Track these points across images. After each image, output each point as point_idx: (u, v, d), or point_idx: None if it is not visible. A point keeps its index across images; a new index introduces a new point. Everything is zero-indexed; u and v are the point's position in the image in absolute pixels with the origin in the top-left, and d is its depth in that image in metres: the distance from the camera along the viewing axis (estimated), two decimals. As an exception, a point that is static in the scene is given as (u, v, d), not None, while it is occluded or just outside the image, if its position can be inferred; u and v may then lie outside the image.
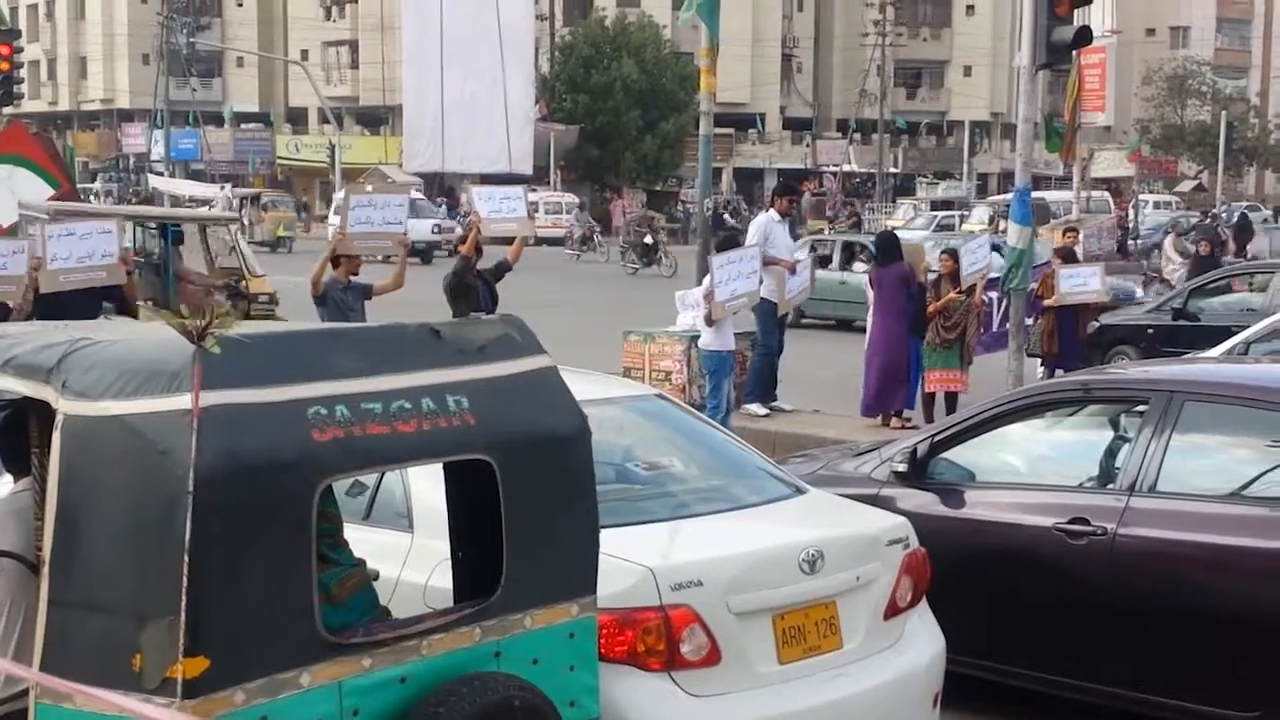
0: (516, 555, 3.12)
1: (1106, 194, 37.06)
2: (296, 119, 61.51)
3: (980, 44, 60.93)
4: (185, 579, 2.56)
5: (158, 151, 52.75)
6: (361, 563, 3.38)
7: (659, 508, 4.24)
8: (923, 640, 4.33)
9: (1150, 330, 13.06)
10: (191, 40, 53.33)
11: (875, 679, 4.06)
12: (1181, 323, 12.89)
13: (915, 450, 5.37)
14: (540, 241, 35.71)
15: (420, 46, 43.74)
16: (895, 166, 58.91)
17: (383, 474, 3.97)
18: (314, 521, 2.77)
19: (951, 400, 10.45)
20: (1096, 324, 12.52)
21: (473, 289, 8.95)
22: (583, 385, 3.84)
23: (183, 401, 2.64)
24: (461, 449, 3.07)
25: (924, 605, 4.42)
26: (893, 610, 4.21)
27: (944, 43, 62.72)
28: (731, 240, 10.27)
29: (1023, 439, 5.54)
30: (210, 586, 2.60)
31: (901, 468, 5.35)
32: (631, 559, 3.69)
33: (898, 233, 14.42)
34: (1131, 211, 36.24)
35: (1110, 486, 4.99)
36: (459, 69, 42.91)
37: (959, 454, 5.41)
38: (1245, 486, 4.84)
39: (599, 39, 47.91)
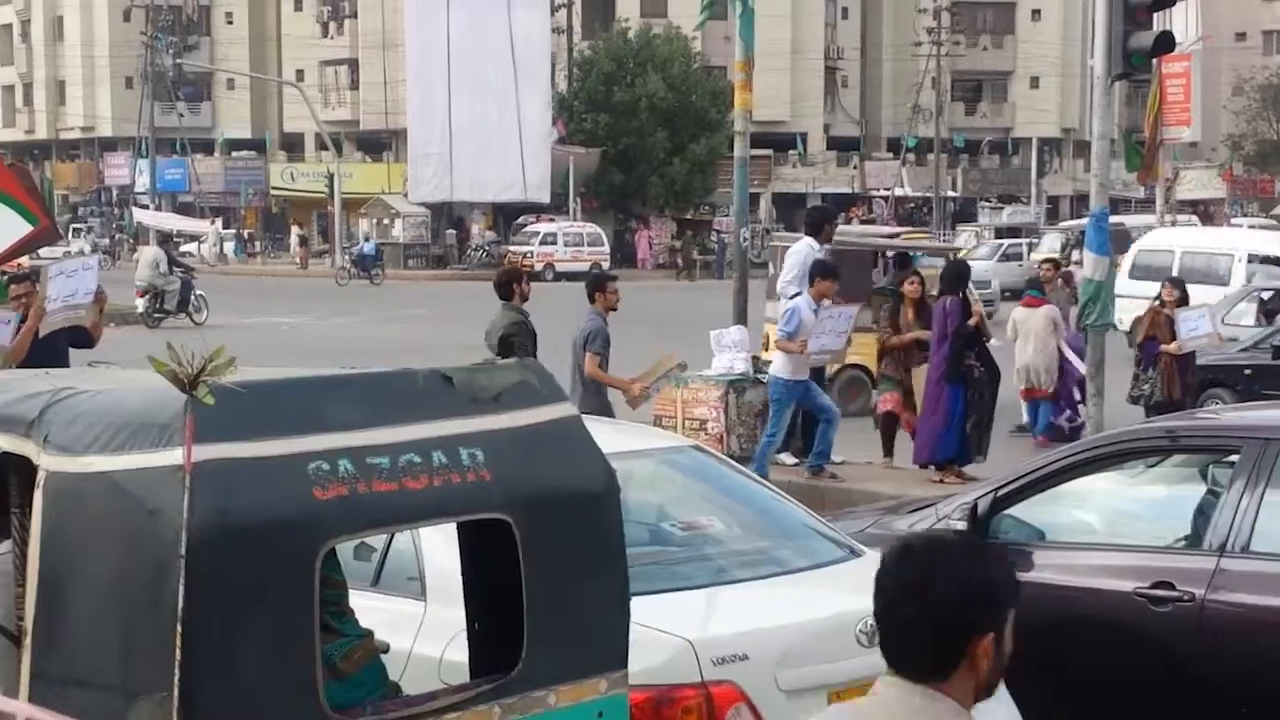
0: (539, 625, 3.13)
1: (1194, 217, 36.97)
2: (292, 145, 62.29)
3: (1048, 53, 61.05)
4: (178, 652, 2.60)
5: (142, 183, 53.50)
6: (369, 633, 3.41)
7: (698, 572, 4.26)
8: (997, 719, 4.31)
9: (1247, 370, 12.96)
10: (178, 61, 54.21)
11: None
12: (1283, 361, 12.80)
13: (976, 506, 5.36)
14: (559, 276, 35.92)
15: (426, 64, 44.19)
16: (954, 190, 58.94)
17: (392, 535, 4.01)
18: (317, 588, 2.80)
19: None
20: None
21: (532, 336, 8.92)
22: (610, 436, 3.88)
23: (174, 456, 2.69)
24: (476, 507, 3.10)
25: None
26: (958, 685, 4.20)
27: (1007, 52, 62.87)
28: (830, 269, 10.32)
29: (1099, 493, 5.52)
30: (204, 660, 2.64)
31: (960, 526, 5.34)
32: (668, 630, 3.71)
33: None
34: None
35: (1198, 547, 4.97)
36: (468, 88, 43.28)
37: (1026, 510, 5.40)
38: (1352, 545, 4.81)
39: (621, 53, 48.23)
